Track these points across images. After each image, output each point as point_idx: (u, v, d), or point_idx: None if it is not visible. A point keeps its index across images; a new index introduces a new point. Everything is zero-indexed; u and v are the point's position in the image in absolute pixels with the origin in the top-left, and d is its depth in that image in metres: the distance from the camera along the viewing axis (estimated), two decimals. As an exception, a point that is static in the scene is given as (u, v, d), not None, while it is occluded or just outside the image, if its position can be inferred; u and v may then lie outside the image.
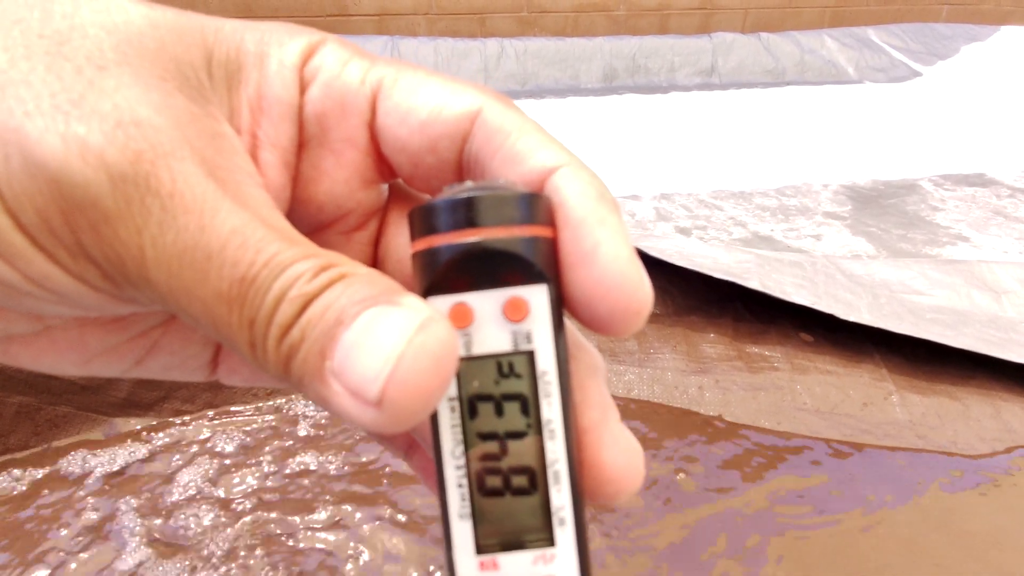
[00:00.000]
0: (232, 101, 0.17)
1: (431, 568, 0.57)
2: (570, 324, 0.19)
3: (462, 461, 0.16)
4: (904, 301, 0.90)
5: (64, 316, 0.18)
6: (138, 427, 0.67)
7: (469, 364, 0.16)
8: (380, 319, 0.13)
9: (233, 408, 0.72)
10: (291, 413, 0.72)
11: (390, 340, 0.13)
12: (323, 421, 0.72)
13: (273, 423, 0.71)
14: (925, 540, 0.62)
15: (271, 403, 0.73)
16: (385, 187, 0.21)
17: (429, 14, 2.97)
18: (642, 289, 0.16)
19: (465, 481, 0.16)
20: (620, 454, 0.17)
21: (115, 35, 0.15)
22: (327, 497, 0.63)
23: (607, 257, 0.16)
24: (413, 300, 0.14)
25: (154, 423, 0.67)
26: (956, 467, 0.70)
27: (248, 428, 0.69)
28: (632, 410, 0.76)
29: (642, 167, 1.74)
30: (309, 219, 0.20)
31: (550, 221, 0.16)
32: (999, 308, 0.90)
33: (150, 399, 0.69)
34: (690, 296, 0.93)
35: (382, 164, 0.19)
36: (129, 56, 0.15)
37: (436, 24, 3.00)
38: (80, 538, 0.57)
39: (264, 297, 0.14)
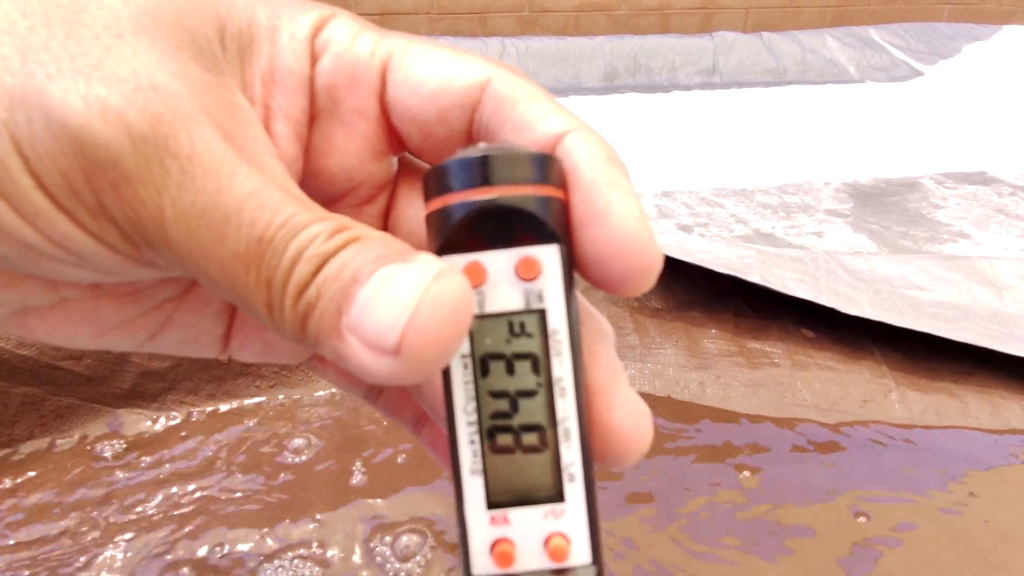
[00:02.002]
0: (245, 73, 0.18)
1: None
2: (578, 292, 0.19)
3: (474, 418, 0.16)
4: (905, 296, 0.91)
5: (82, 282, 0.18)
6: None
7: (482, 322, 0.16)
8: (395, 274, 0.14)
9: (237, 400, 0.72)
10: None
11: (407, 290, 0.14)
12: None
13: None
14: (926, 537, 0.62)
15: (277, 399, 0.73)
16: (395, 160, 0.21)
17: (431, 13, 2.98)
18: (652, 246, 0.16)
19: (477, 438, 0.16)
20: (629, 415, 0.17)
21: (131, 6, 0.15)
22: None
23: (618, 216, 0.16)
24: (427, 256, 0.14)
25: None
26: (954, 463, 0.70)
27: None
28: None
29: (644, 166, 1.75)
30: (321, 191, 0.20)
31: (562, 183, 0.17)
32: (1000, 303, 0.91)
33: (155, 390, 0.69)
34: (691, 291, 0.93)
35: (392, 136, 0.19)
36: (145, 26, 0.15)
37: (438, 24, 3.01)
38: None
39: (281, 257, 0.14)
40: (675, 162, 1.77)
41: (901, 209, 1.43)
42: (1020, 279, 0.94)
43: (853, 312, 0.80)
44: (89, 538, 0.57)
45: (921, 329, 0.79)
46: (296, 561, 0.57)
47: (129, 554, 0.56)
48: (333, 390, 0.75)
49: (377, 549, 0.57)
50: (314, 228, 0.14)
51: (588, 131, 0.17)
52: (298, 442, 0.69)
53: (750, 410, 0.76)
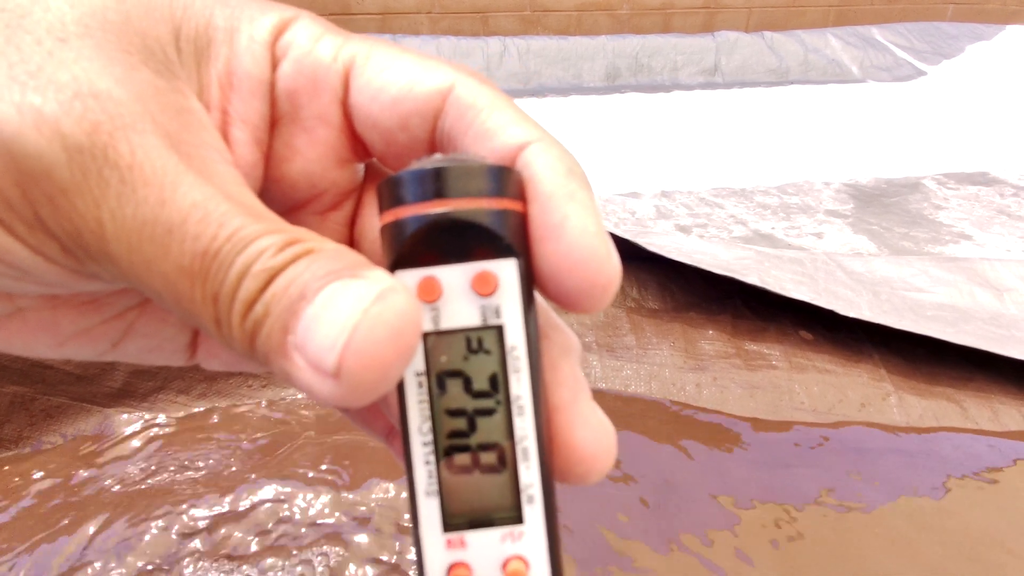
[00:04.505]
0: (201, 77, 0.17)
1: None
2: (546, 305, 0.19)
3: (429, 438, 0.16)
4: (905, 298, 0.90)
5: (31, 293, 0.17)
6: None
7: (438, 339, 0.16)
8: (340, 292, 0.13)
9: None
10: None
11: (347, 310, 0.13)
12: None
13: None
14: (917, 538, 0.61)
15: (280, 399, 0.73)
16: (361, 167, 0.20)
17: (432, 13, 2.97)
18: (609, 263, 0.15)
19: (432, 458, 0.16)
20: (591, 433, 0.17)
21: (78, 8, 0.15)
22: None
23: (575, 230, 0.15)
24: (377, 273, 0.14)
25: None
26: (953, 467, 0.69)
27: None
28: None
29: (644, 166, 1.74)
30: (283, 198, 0.19)
31: (520, 196, 0.16)
32: (1001, 306, 0.90)
33: (145, 389, 0.69)
34: (689, 293, 0.92)
35: (356, 143, 0.19)
36: (92, 29, 0.15)
37: (439, 23, 3.00)
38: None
39: (227, 272, 0.14)
40: (676, 162, 1.77)
41: (902, 210, 1.42)
42: (1021, 281, 0.93)
43: (851, 314, 0.79)
44: (85, 534, 0.56)
45: (920, 331, 0.78)
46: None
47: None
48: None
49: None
50: (262, 241, 0.14)
51: (550, 142, 0.17)
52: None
53: (747, 413, 0.75)
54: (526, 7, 3.04)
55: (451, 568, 0.16)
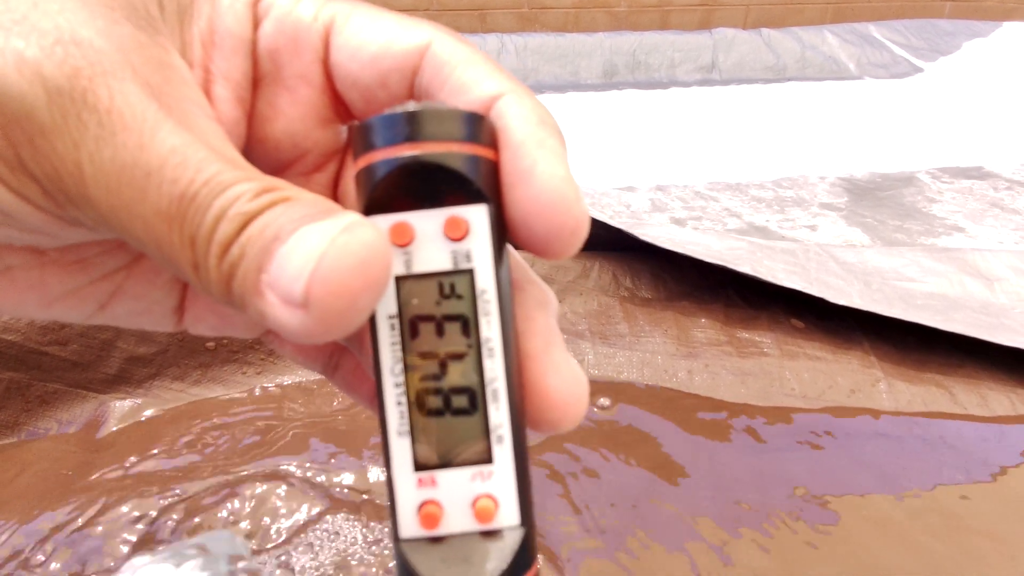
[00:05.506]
0: (184, 35, 0.17)
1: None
2: (523, 260, 0.19)
3: (401, 379, 0.16)
4: (896, 288, 0.90)
5: (14, 243, 0.18)
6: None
7: (410, 283, 0.16)
8: (313, 228, 0.14)
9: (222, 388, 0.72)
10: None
11: (314, 242, 0.13)
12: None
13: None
14: (904, 522, 0.62)
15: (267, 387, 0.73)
16: (344, 129, 0.21)
17: (430, 10, 2.97)
18: (577, 206, 0.16)
19: (404, 399, 0.16)
20: (563, 381, 0.17)
21: None
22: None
23: (543, 176, 0.16)
24: (349, 213, 0.14)
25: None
26: (945, 457, 0.70)
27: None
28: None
29: (641, 162, 1.75)
30: (267, 158, 0.20)
31: (492, 144, 0.16)
32: (991, 295, 0.90)
33: (141, 376, 0.69)
34: (683, 282, 0.93)
35: (338, 103, 0.19)
36: None
37: (436, 20, 2.99)
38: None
39: (204, 215, 0.14)
40: (672, 158, 1.77)
41: (896, 203, 1.43)
42: (1012, 271, 0.94)
43: (842, 302, 0.80)
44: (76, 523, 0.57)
45: (910, 319, 0.79)
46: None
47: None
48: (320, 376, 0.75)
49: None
50: (239, 187, 0.14)
51: (522, 93, 0.17)
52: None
53: (738, 399, 0.76)
54: (524, 4, 3.04)
55: (422, 505, 0.16)
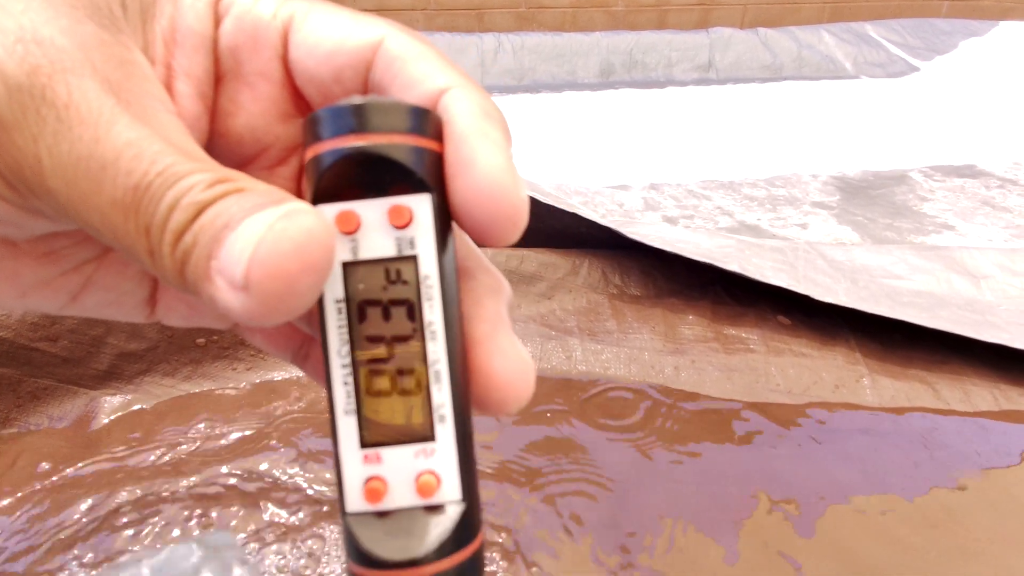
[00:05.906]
0: (147, 33, 0.18)
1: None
2: (478, 249, 0.20)
3: (347, 360, 0.17)
4: (883, 286, 0.91)
5: None
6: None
7: (356, 268, 0.17)
8: (257, 217, 0.14)
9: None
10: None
11: (256, 227, 0.14)
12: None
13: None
14: (886, 520, 0.63)
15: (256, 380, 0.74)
16: None
17: (427, 9, 2.98)
18: (515, 194, 0.16)
19: (351, 380, 0.17)
20: (508, 363, 0.18)
21: None
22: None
23: (484, 165, 0.16)
24: (295, 202, 0.15)
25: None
26: (928, 452, 0.71)
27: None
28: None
29: (636, 161, 1.75)
30: (231, 153, 0.21)
31: (437, 136, 0.17)
32: (977, 292, 0.91)
33: (131, 372, 0.70)
34: (671, 280, 0.94)
35: (298, 98, 0.20)
36: None
37: (434, 20, 3.01)
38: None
39: (158, 204, 0.15)
40: (667, 157, 1.78)
41: (887, 201, 1.43)
42: (999, 269, 0.94)
43: (828, 299, 0.81)
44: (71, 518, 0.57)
45: (895, 316, 0.79)
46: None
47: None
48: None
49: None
50: (193, 178, 0.15)
51: (470, 88, 0.18)
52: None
53: (723, 394, 0.77)
54: (521, 4, 3.05)
55: (367, 481, 0.17)
